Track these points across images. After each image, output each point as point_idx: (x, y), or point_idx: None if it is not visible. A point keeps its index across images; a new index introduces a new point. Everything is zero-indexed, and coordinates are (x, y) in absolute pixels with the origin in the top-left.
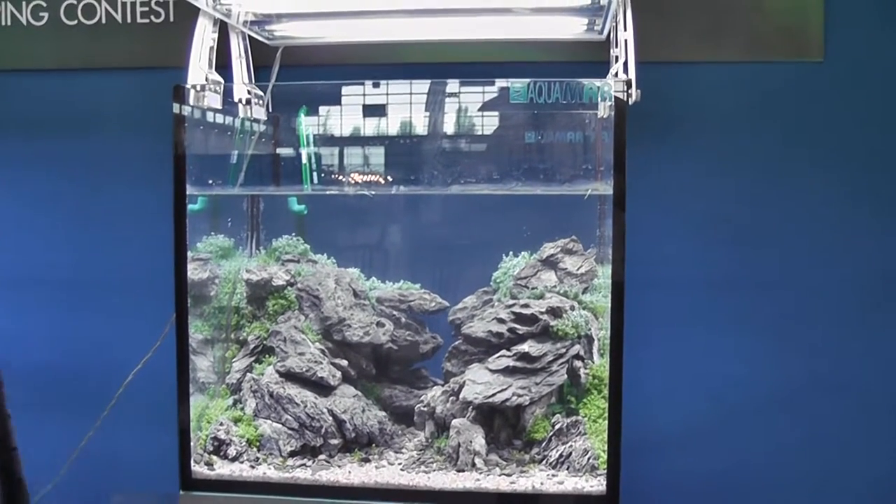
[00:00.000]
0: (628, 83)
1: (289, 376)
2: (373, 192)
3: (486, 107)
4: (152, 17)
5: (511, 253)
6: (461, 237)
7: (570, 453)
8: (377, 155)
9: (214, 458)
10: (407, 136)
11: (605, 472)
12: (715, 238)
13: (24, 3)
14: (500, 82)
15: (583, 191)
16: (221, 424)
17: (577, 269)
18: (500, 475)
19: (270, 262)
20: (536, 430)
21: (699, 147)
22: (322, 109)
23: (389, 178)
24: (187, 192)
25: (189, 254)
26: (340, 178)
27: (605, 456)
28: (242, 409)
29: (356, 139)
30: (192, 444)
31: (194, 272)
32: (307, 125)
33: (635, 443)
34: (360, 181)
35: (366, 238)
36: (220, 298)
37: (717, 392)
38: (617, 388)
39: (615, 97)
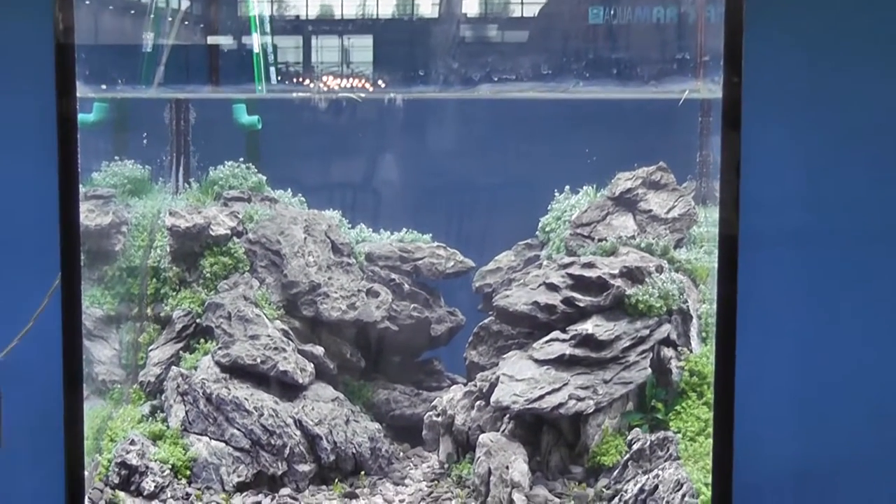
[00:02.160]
0: None
1: (235, 371)
2: (360, 96)
3: None
4: None
5: (567, 188)
6: (492, 164)
7: (657, 487)
8: (365, 41)
9: (121, 494)
10: (410, 14)
11: None
12: (871, 164)
13: None
14: None
15: (676, 93)
16: (133, 444)
17: (667, 212)
18: None
19: (207, 200)
20: (605, 452)
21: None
22: None
23: (384, 77)
24: (77, 95)
25: (82, 188)
26: (310, 78)
27: (708, 492)
28: (165, 420)
29: (333, 20)
30: (86, 474)
31: (90, 216)
32: None
33: (754, 475)
34: (339, 81)
35: (350, 167)
36: (131, 255)
37: (884, 404)
38: (727, 391)
39: None
